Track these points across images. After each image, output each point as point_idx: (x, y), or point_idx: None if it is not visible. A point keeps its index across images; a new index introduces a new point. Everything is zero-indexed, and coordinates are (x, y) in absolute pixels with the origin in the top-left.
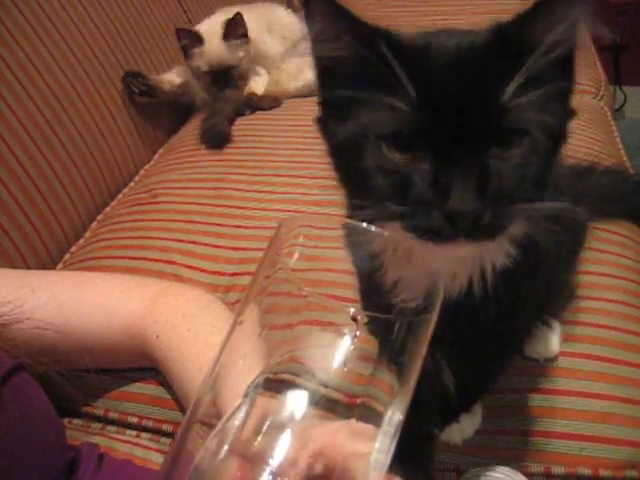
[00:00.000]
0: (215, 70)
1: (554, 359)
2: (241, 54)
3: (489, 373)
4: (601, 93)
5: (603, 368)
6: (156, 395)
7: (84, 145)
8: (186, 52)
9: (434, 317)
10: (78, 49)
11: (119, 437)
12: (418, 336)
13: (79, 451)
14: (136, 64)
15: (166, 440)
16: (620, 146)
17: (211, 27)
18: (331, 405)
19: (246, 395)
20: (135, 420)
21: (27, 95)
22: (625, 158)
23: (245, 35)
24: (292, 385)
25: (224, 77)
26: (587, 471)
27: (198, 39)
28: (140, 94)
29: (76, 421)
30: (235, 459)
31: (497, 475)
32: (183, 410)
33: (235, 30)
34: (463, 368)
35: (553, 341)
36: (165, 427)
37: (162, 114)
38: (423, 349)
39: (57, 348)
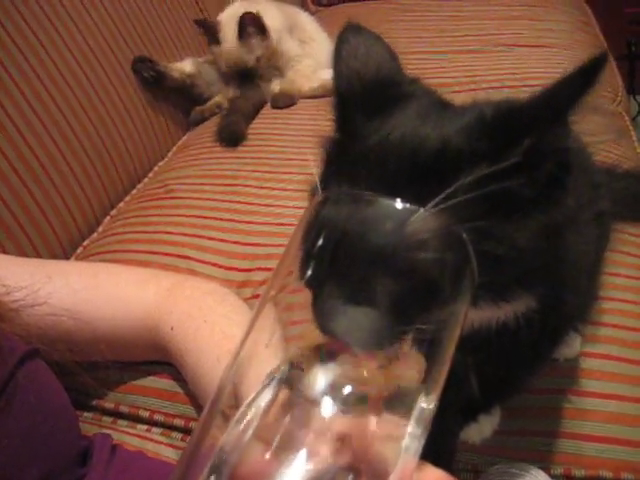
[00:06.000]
0: (234, 70)
1: (574, 359)
2: (258, 53)
3: (516, 378)
4: (619, 99)
5: (622, 369)
6: (168, 389)
7: (99, 140)
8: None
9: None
10: (94, 43)
11: (130, 431)
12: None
13: (92, 441)
14: (150, 56)
15: (177, 435)
16: (639, 150)
17: (228, 21)
18: (357, 400)
19: (270, 380)
20: (146, 414)
21: (44, 87)
22: None
23: (262, 31)
24: (317, 373)
25: (246, 76)
26: (608, 474)
27: (215, 35)
28: (149, 79)
29: (87, 414)
30: (260, 444)
31: (520, 473)
32: (196, 405)
33: (246, 30)
34: (490, 371)
35: (575, 341)
36: (177, 422)
37: (178, 111)
38: (457, 333)
39: (72, 336)
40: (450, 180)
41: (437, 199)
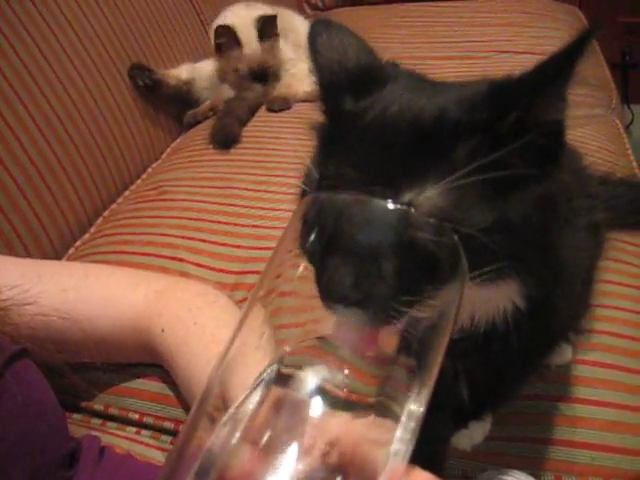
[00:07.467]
0: (255, 71)
1: (566, 365)
2: (275, 54)
3: (507, 385)
4: (612, 106)
5: (617, 376)
6: (158, 392)
7: (93, 140)
8: (220, 49)
9: (461, 296)
10: (90, 43)
11: (119, 433)
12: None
13: (80, 443)
14: (146, 60)
15: (167, 438)
16: (632, 158)
17: (244, 25)
18: (346, 403)
19: (258, 384)
20: (136, 417)
21: (39, 90)
22: (637, 171)
23: (276, 35)
24: (307, 375)
25: (262, 76)
26: None
27: (236, 40)
28: (145, 88)
29: (76, 416)
30: (247, 446)
31: (510, 479)
32: (185, 407)
33: (270, 31)
34: (480, 377)
35: (566, 350)
36: (166, 424)
37: (172, 113)
38: (449, 332)
39: (62, 336)
40: (448, 150)
41: (438, 184)
